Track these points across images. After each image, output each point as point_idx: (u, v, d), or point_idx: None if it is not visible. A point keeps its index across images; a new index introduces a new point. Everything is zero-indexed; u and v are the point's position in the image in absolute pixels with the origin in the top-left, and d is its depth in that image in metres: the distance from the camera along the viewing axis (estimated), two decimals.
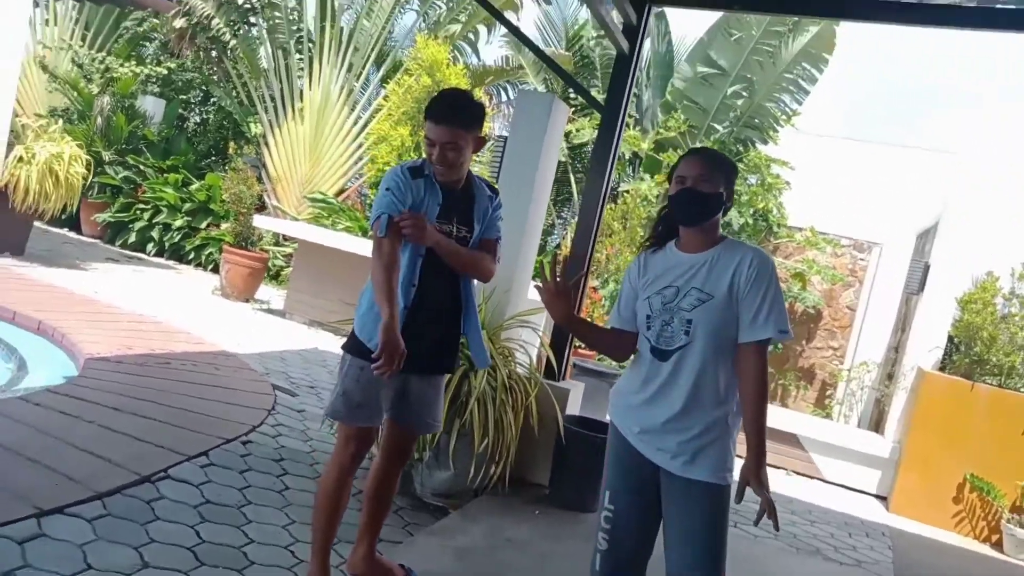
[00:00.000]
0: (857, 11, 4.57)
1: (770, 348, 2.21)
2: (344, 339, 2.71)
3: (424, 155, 2.61)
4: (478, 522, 3.83)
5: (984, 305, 6.01)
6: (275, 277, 10.77)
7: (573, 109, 10.98)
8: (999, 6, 4.18)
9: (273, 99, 11.83)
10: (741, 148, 9.58)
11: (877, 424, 7.23)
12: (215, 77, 12.81)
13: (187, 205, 10.79)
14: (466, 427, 4.01)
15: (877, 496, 6.25)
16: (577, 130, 10.53)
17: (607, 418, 2.36)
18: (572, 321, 2.35)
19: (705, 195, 2.18)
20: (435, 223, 2.55)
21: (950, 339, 6.34)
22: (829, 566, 4.44)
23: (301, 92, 11.86)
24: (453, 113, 2.52)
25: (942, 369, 6.26)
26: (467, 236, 2.62)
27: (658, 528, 2.26)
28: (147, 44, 13.04)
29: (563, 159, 10.97)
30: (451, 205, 2.60)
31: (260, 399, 5.00)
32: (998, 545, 5.56)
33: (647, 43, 10.76)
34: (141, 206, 10.88)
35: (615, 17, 4.86)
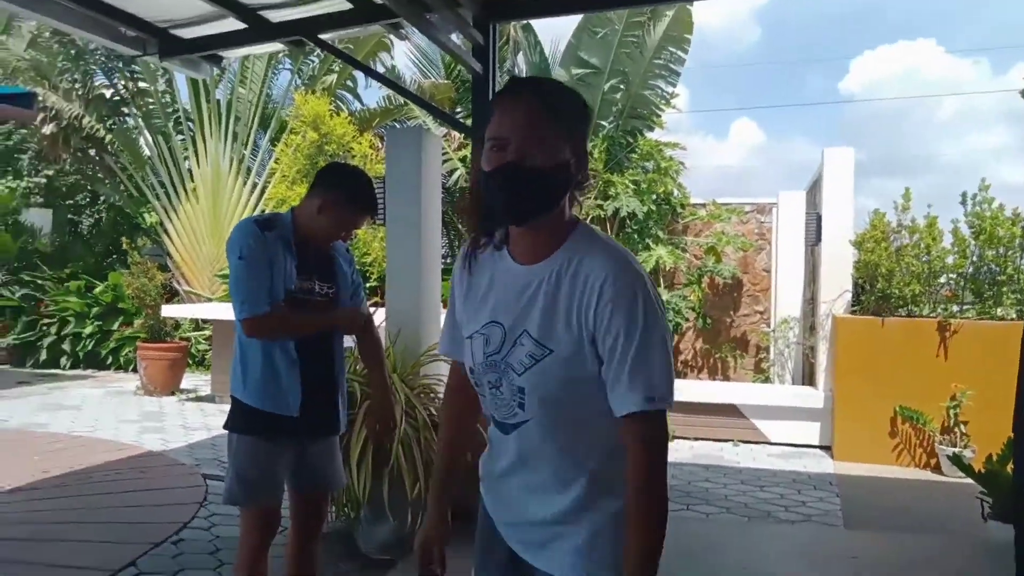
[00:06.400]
0: None
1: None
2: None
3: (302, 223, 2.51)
4: None
5: (877, 242, 6.22)
6: (200, 363, 10.49)
7: (463, 134, 11.03)
8: None
9: (163, 185, 11.57)
10: (631, 139, 9.78)
11: (809, 377, 7.39)
12: (99, 175, 12.49)
13: (95, 310, 10.44)
14: (395, 474, 3.96)
15: (822, 447, 6.38)
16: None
17: None
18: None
19: (540, 172, 1.28)
20: (297, 281, 2.50)
21: (855, 281, 6.53)
22: (780, 527, 4.51)
23: (191, 172, 11.64)
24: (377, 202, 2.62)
25: (854, 311, 6.45)
26: (330, 293, 2.58)
27: None
28: (21, 157, 12.61)
29: (465, 184, 11.01)
30: (308, 261, 2.53)
31: (190, 492, 4.85)
32: (937, 468, 5.73)
33: (520, 57, 10.95)
34: (46, 321, 10.49)
35: (463, 43, 4.92)
